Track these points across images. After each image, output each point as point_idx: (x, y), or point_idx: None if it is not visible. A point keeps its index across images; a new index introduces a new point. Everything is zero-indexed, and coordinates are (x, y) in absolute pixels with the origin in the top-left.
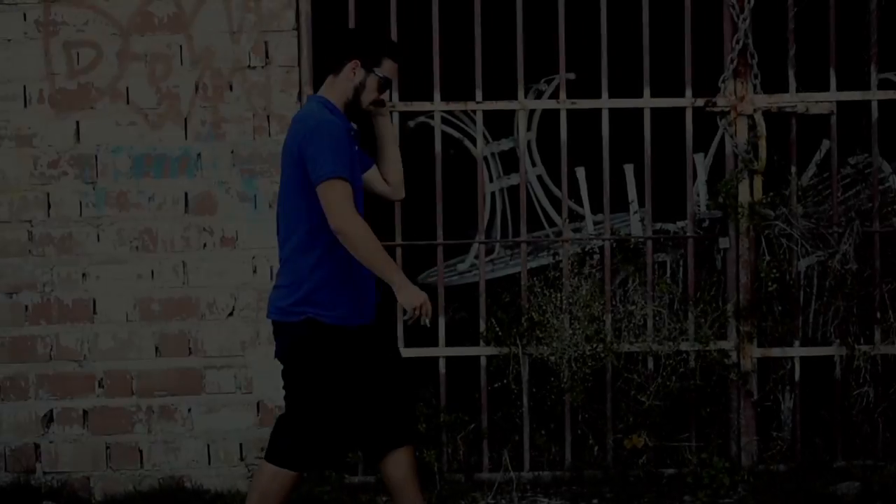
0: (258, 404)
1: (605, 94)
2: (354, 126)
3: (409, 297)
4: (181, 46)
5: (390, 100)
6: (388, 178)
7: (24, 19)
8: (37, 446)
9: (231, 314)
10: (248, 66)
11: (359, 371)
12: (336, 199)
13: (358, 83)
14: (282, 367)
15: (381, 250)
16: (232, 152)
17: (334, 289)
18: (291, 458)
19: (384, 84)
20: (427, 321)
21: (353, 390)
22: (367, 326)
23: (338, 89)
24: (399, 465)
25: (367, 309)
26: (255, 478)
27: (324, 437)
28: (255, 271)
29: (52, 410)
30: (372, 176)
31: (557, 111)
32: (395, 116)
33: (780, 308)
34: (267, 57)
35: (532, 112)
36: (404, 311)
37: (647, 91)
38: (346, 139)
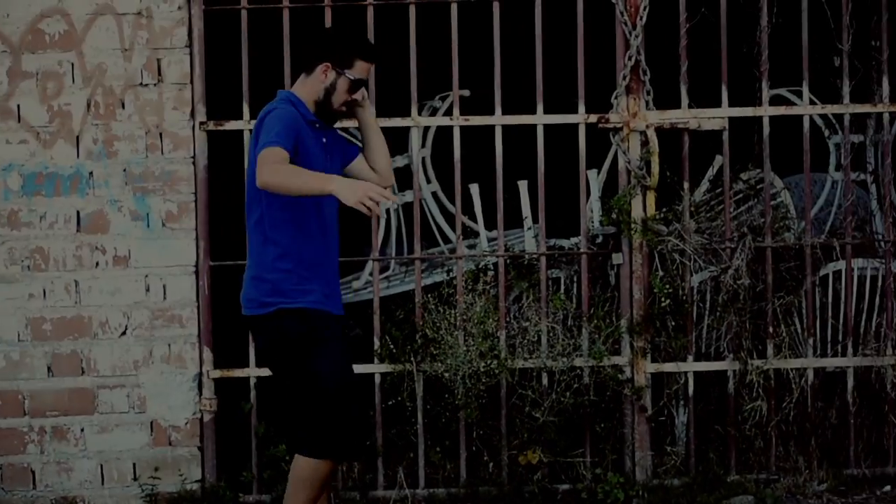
0: (152, 423)
1: (498, 110)
2: (319, 120)
3: (351, 190)
4: (73, 64)
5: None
6: (374, 165)
7: None
8: None
9: (124, 333)
10: (141, 83)
11: (338, 347)
12: (263, 160)
13: (329, 85)
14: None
15: (304, 173)
16: (124, 170)
17: (301, 278)
18: (317, 445)
19: (355, 85)
20: (390, 203)
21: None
22: (337, 317)
23: (308, 88)
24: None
25: (334, 300)
26: (291, 471)
27: (336, 415)
28: (147, 290)
29: None
30: (359, 165)
31: (451, 128)
32: None
33: (673, 323)
34: (159, 74)
35: (426, 129)
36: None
37: (539, 107)
38: (295, 123)
